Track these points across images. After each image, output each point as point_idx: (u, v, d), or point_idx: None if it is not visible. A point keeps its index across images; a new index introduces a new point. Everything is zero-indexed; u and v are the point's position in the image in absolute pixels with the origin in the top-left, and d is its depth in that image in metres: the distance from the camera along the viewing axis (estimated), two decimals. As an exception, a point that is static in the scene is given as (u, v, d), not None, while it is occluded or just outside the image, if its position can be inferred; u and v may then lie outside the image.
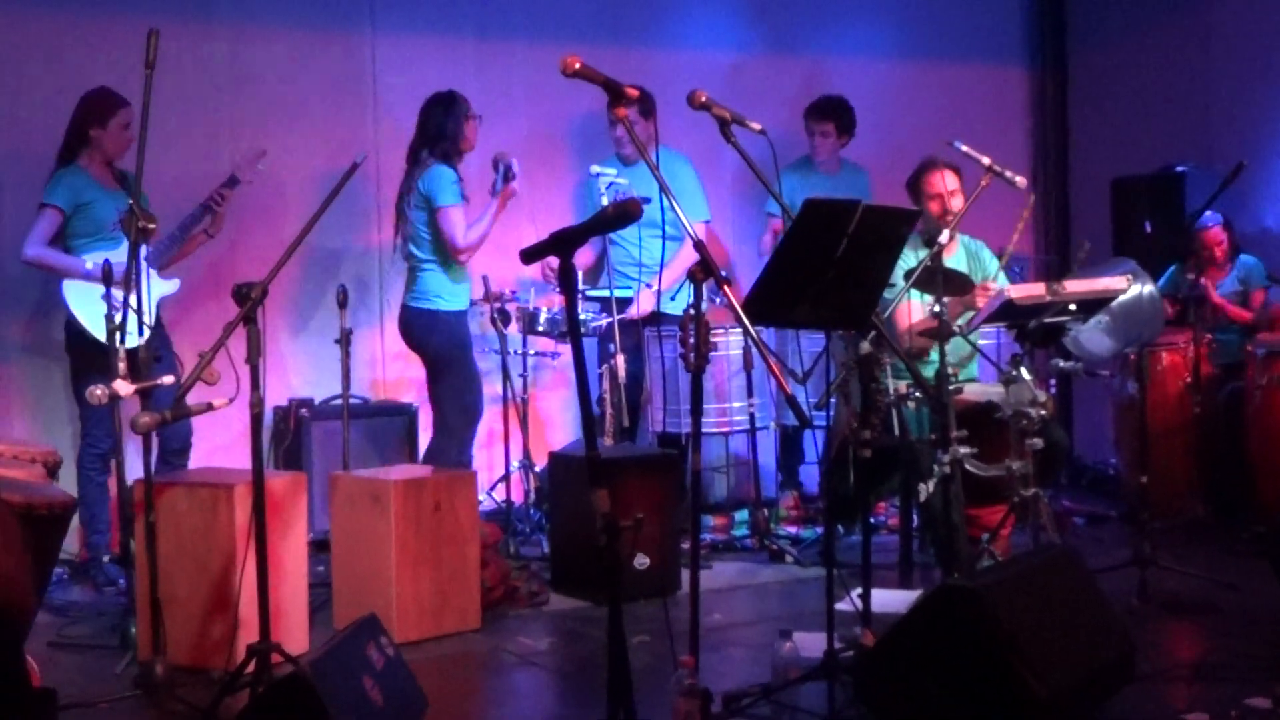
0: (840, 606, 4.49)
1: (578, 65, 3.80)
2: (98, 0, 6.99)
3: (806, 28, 8.77)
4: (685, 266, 6.31)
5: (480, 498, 6.24)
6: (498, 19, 7.95)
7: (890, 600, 5.37)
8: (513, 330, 7.07)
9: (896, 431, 5.86)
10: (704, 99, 4.20)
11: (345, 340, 6.36)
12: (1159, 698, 4.52)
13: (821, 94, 7.90)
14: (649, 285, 7.09)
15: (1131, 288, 5.73)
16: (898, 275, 5.31)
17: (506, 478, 7.18)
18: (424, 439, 7.22)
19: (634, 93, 3.93)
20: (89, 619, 5.69)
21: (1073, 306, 5.40)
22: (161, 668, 4.64)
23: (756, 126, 4.22)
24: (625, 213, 3.12)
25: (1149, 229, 7.87)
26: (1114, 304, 5.77)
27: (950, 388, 5.36)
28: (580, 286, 6.91)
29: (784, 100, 8.23)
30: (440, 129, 6.57)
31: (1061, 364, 5.83)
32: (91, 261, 5.98)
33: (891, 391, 5.82)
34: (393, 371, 7.72)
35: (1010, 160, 6.21)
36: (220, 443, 7.12)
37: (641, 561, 5.84)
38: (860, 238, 4.03)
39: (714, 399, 6.93)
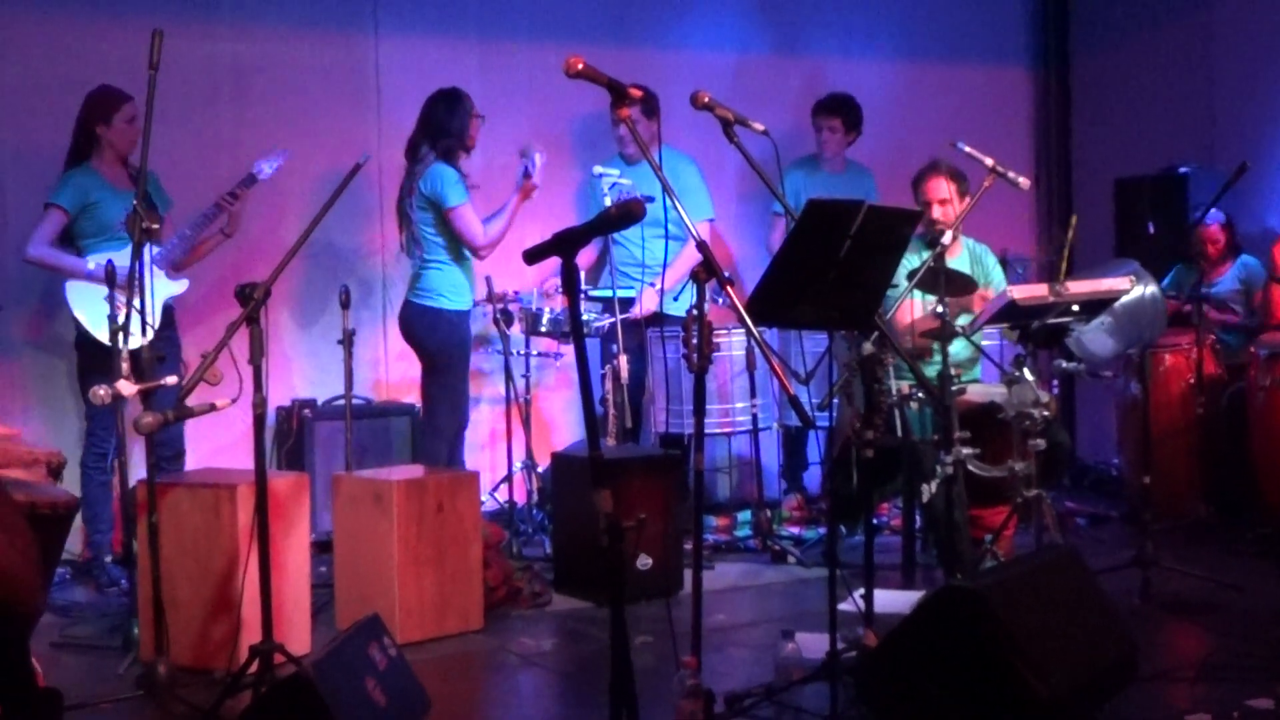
0: (843, 607, 4.49)
1: (581, 66, 3.80)
2: (102, 1, 6.99)
3: (810, 29, 8.77)
4: (688, 266, 6.31)
5: (483, 498, 6.24)
6: (501, 19, 7.95)
7: (893, 601, 5.36)
8: (515, 331, 7.07)
9: (899, 432, 5.86)
10: (707, 99, 4.20)
11: (348, 341, 6.36)
12: (1161, 698, 4.52)
13: (827, 93, 7.91)
14: (652, 285, 7.09)
15: (1134, 288, 5.73)
16: (900, 276, 5.32)
17: (509, 478, 7.18)
18: (426, 439, 7.24)
19: (637, 93, 3.93)
20: (91, 619, 5.69)
21: (1075, 307, 5.40)
22: (164, 668, 4.64)
23: (759, 127, 4.22)
24: (628, 213, 3.12)
25: (1152, 229, 7.87)
26: (1117, 305, 5.77)
27: (953, 388, 5.37)
28: (583, 287, 6.91)
29: (787, 101, 8.23)
30: (443, 125, 6.55)
31: (1064, 365, 5.84)
32: (94, 262, 5.99)
33: (894, 392, 5.81)
34: (395, 372, 7.72)
35: (1013, 161, 6.21)
36: (223, 443, 7.13)
37: (644, 562, 5.84)
38: (863, 238, 4.03)
39: (717, 399, 6.93)
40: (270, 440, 6.96)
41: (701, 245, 3.95)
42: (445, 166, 6.50)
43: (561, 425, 8.08)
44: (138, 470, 5.13)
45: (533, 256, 3.09)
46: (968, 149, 5.82)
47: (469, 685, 5.12)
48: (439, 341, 6.63)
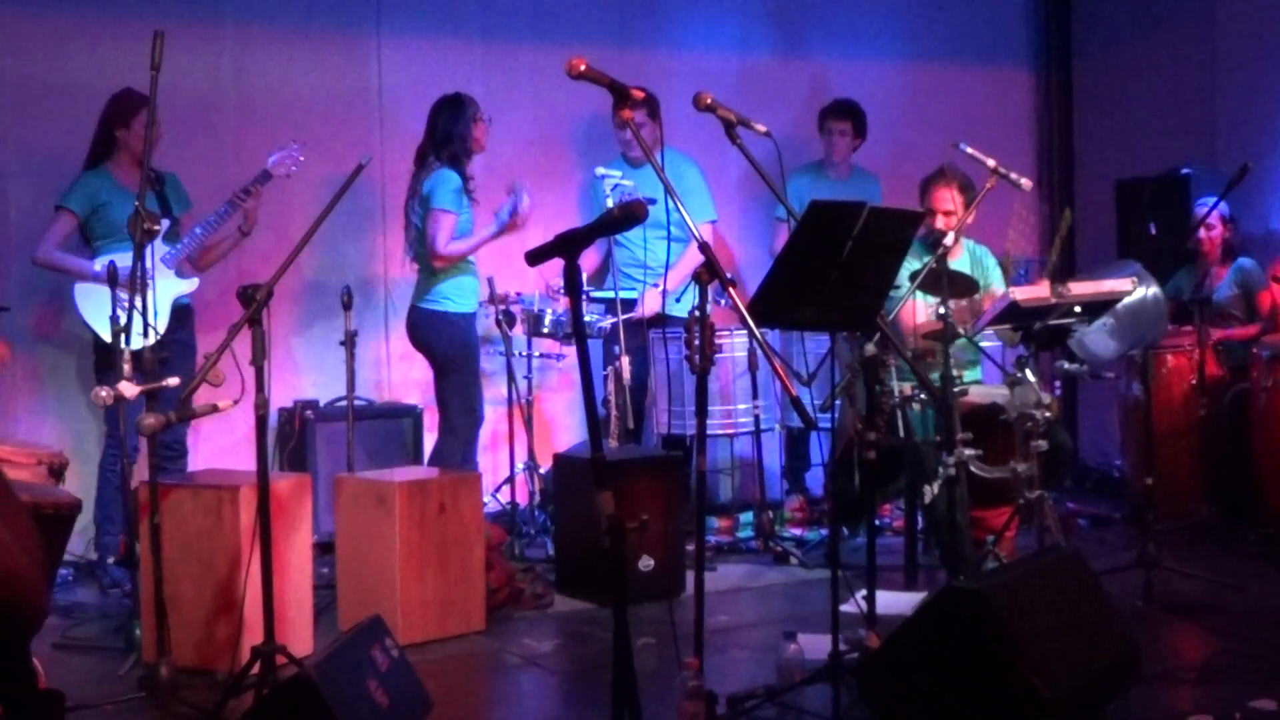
0: (845, 608, 4.49)
1: (583, 67, 3.80)
2: (104, 2, 6.99)
3: (813, 30, 8.77)
4: (690, 268, 6.31)
5: (485, 499, 6.24)
6: (503, 21, 7.95)
7: (895, 602, 5.36)
8: (518, 332, 7.07)
9: (901, 433, 5.86)
10: (709, 101, 4.20)
11: (350, 342, 6.37)
12: (1164, 699, 4.53)
13: (831, 97, 7.91)
14: (654, 286, 7.09)
15: (1136, 290, 5.73)
16: (902, 278, 5.32)
17: (511, 479, 7.18)
18: (429, 440, 7.22)
19: (639, 94, 3.93)
20: (94, 621, 5.69)
21: (1078, 309, 5.40)
22: (166, 669, 4.64)
23: (762, 129, 4.22)
24: (630, 214, 3.12)
25: (1154, 231, 7.87)
26: (1119, 306, 5.77)
27: (955, 390, 5.37)
28: (585, 288, 6.91)
29: (791, 103, 8.23)
30: (447, 133, 6.57)
31: (1066, 366, 5.83)
32: (100, 264, 6.00)
33: (896, 393, 5.82)
34: (397, 373, 7.73)
35: (1015, 162, 6.22)
36: (225, 444, 7.14)
37: (646, 563, 5.84)
38: (865, 240, 4.03)
39: (719, 401, 6.93)
40: (272, 441, 6.95)
41: (704, 246, 3.95)
42: (449, 171, 6.52)
43: (563, 426, 8.08)
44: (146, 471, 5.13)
45: (535, 258, 3.09)
46: (970, 150, 5.82)
47: (471, 686, 5.12)
48: (446, 345, 6.66)
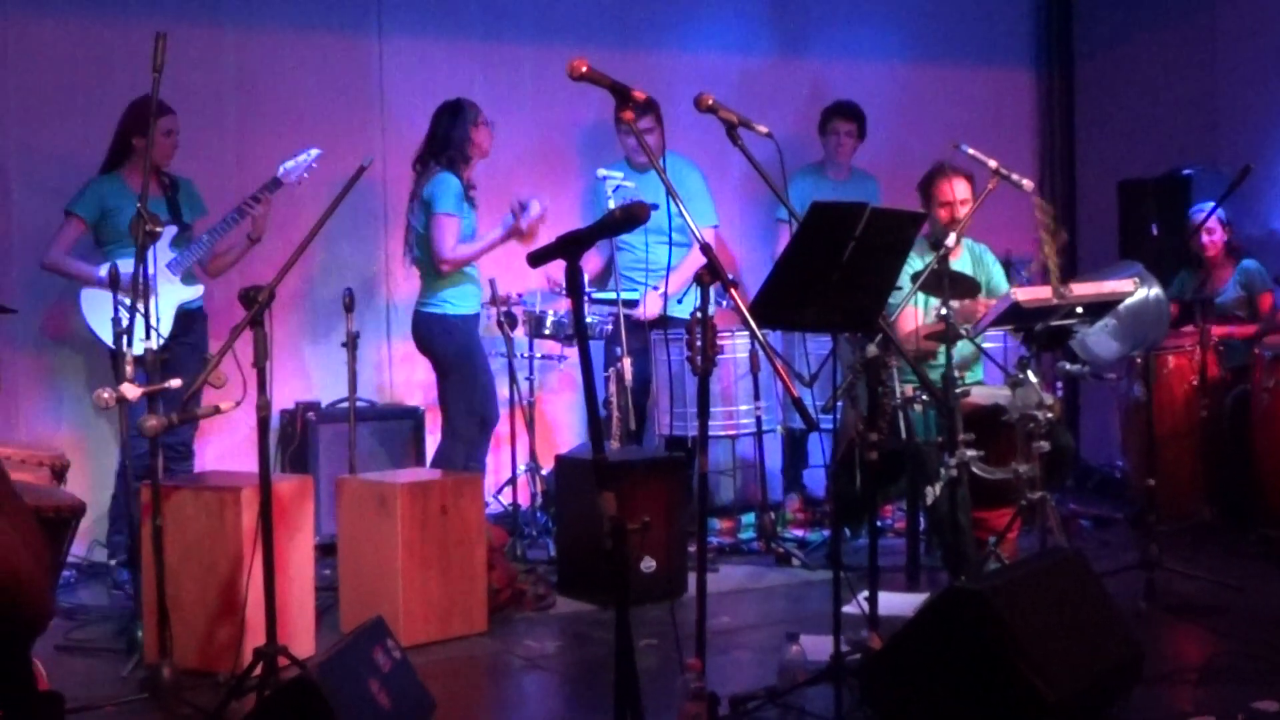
0: (847, 609, 4.49)
1: (585, 69, 3.80)
2: (107, 4, 7.00)
3: (814, 31, 8.77)
4: (692, 271, 6.31)
5: (487, 501, 6.24)
6: (505, 22, 7.95)
7: (897, 603, 5.36)
8: (519, 333, 7.07)
9: (903, 434, 5.85)
10: (711, 102, 4.20)
11: (352, 343, 6.37)
12: (1166, 700, 4.52)
13: (832, 98, 7.91)
14: (656, 288, 7.09)
15: (1138, 291, 5.73)
16: (904, 279, 5.31)
17: (513, 481, 7.18)
18: (431, 442, 7.23)
19: (640, 96, 3.93)
20: (96, 622, 5.68)
21: (1079, 310, 5.40)
22: (168, 671, 4.64)
23: (763, 130, 4.22)
24: (632, 216, 3.12)
25: (1155, 231, 7.87)
26: (1121, 307, 5.77)
27: (957, 391, 5.36)
28: (587, 289, 6.91)
29: (792, 104, 8.23)
30: (446, 138, 6.59)
31: (1068, 367, 5.83)
32: (105, 269, 6.00)
33: (898, 394, 5.81)
34: (399, 375, 7.73)
35: (1017, 163, 6.21)
36: (227, 446, 7.14)
37: (648, 565, 5.84)
38: (867, 241, 4.03)
39: (721, 402, 6.93)
40: (274, 443, 6.96)
41: (705, 247, 3.95)
42: (449, 175, 6.53)
43: (565, 428, 8.08)
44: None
45: (537, 259, 3.09)
46: (971, 151, 5.81)
47: (473, 688, 5.12)
48: (446, 347, 6.67)
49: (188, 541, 4.98)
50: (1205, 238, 7.32)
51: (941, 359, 5.44)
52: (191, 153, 6.60)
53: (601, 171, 6.82)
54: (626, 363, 6.69)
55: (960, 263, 6.32)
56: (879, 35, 8.90)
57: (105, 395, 4.61)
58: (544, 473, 7.20)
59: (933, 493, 5.52)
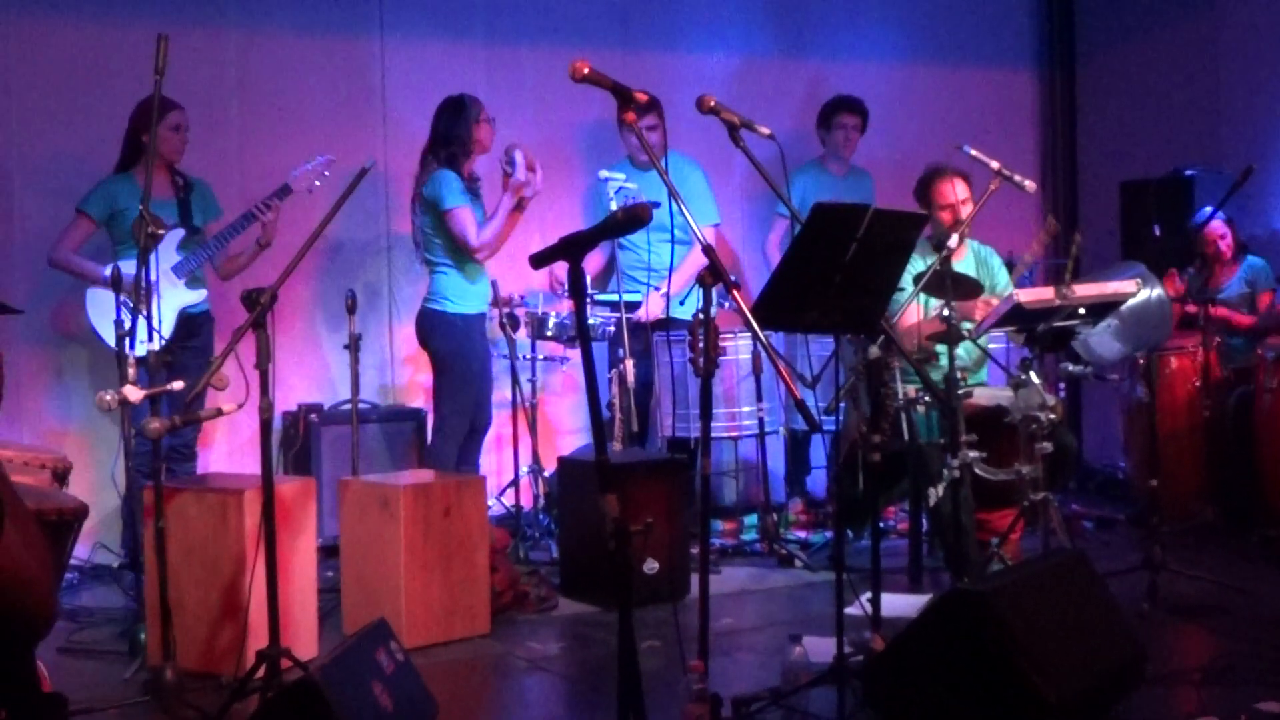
0: (850, 611, 4.49)
1: (587, 70, 3.80)
2: (109, 5, 7.01)
3: (815, 31, 8.77)
4: (694, 271, 6.31)
5: (489, 502, 6.24)
6: (507, 23, 7.96)
7: (900, 604, 5.36)
8: (521, 335, 7.07)
9: (906, 436, 5.85)
10: (713, 103, 4.20)
11: (354, 345, 6.37)
12: (1169, 702, 4.52)
13: (830, 95, 7.91)
14: (659, 289, 7.09)
15: (1140, 291, 5.73)
16: (906, 280, 5.31)
17: (515, 482, 7.19)
18: (433, 443, 7.25)
19: (642, 97, 3.93)
20: (99, 624, 5.69)
21: (1082, 310, 5.40)
22: (171, 673, 4.64)
23: (765, 131, 4.22)
24: (634, 217, 3.12)
25: (1158, 232, 7.86)
26: (1123, 308, 5.76)
27: (959, 392, 5.36)
28: (589, 291, 6.91)
29: (792, 104, 8.24)
30: (446, 135, 6.60)
31: (1070, 368, 5.83)
32: (109, 269, 6.01)
33: (901, 396, 5.81)
34: (402, 376, 7.73)
35: (1019, 164, 6.22)
36: (230, 448, 7.15)
37: (651, 566, 5.83)
38: (869, 242, 4.03)
39: (723, 403, 6.93)
40: (277, 445, 6.96)
41: (708, 249, 3.95)
42: (446, 171, 6.54)
43: (567, 429, 8.08)
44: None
45: (539, 261, 3.09)
46: (973, 152, 5.82)
47: (476, 690, 5.12)
48: (441, 344, 6.68)
49: (190, 543, 4.98)
50: (1221, 244, 7.34)
51: (944, 361, 5.44)
52: (194, 153, 6.60)
53: (604, 173, 6.82)
54: (629, 364, 6.69)
55: (964, 264, 6.32)
56: (880, 35, 8.90)
57: (108, 398, 4.62)
58: (546, 474, 7.20)
59: (935, 494, 5.52)
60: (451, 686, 4.85)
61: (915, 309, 6.00)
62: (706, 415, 4.25)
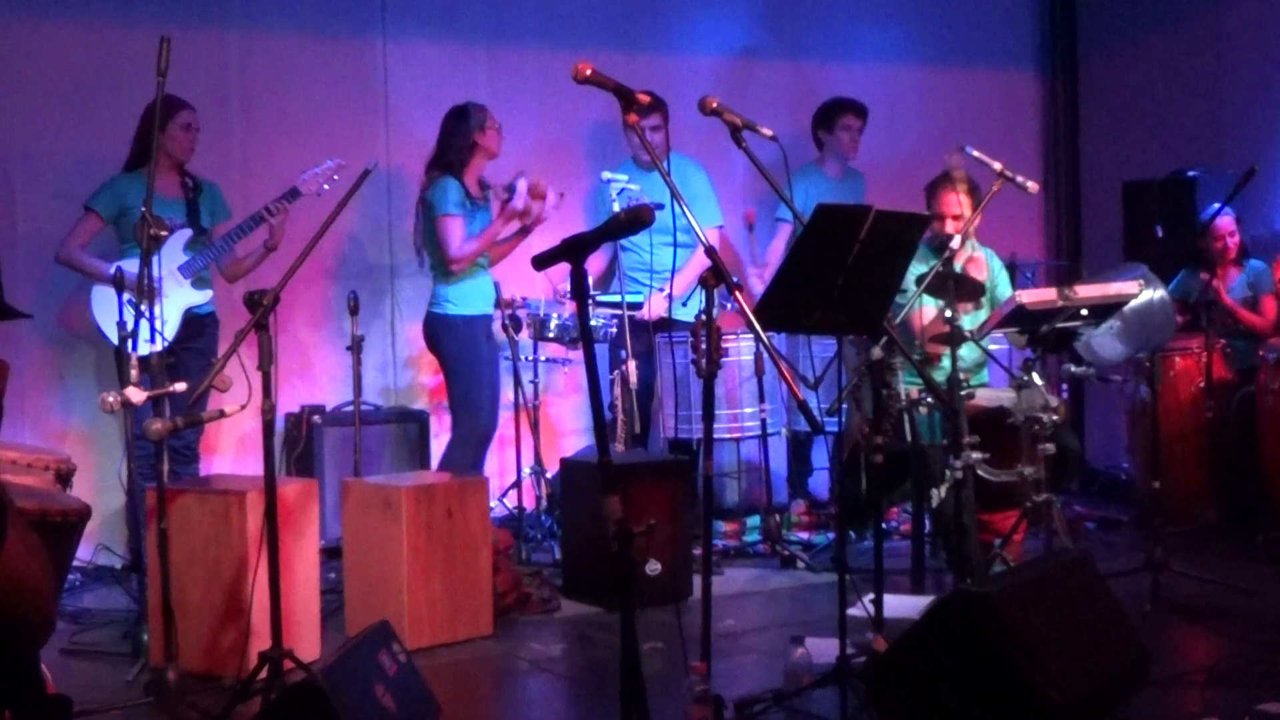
0: (852, 612, 4.48)
1: (589, 71, 3.81)
2: (111, 6, 7.01)
3: (816, 32, 8.77)
4: (697, 273, 6.31)
5: (492, 504, 6.24)
6: (509, 25, 7.95)
7: (902, 606, 5.36)
8: (523, 336, 7.07)
9: (908, 437, 5.85)
10: (715, 105, 4.20)
11: (357, 347, 6.38)
12: (1172, 703, 4.52)
13: (831, 97, 7.90)
14: (661, 289, 7.10)
15: (1143, 292, 5.72)
16: (909, 281, 5.31)
17: (518, 484, 7.19)
18: (436, 445, 7.25)
19: (645, 99, 3.93)
20: (101, 626, 5.69)
21: (1084, 311, 5.40)
22: (173, 674, 4.64)
23: (768, 132, 4.21)
24: (637, 218, 3.12)
25: (1160, 233, 7.86)
26: (1126, 309, 5.76)
27: (962, 393, 5.36)
28: (591, 292, 6.91)
29: (794, 105, 8.23)
30: (447, 143, 6.66)
31: (1073, 369, 5.82)
32: (113, 268, 6.02)
33: (903, 397, 5.81)
34: (404, 378, 7.73)
35: (1021, 164, 6.20)
36: (232, 449, 7.14)
37: (653, 567, 5.83)
38: (872, 243, 4.02)
39: (725, 405, 6.93)
40: (279, 446, 6.96)
41: (710, 251, 3.95)
42: (448, 178, 6.59)
43: (570, 431, 8.07)
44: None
45: (542, 262, 3.09)
46: (976, 153, 5.81)
47: (478, 691, 5.12)
48: (446, 348, 6.71)
49: (193, 545, 4.98)
50: (1229, 240, 7.33)
51: (947, 362, 5.44)
52: (197, 154, 6.60)
53: (606, 174, 6.83)
54: (631, 365, 6.69)
55: (976, 268, 6.32)
56: (882, 37, 8.89)
57: (110, 399, 4.62)
58: (549, 476, 7.20)
59: (938, 495, 5.52)
60: (454, 688, 4.85)
61: (919, 311, 6.01)
62: (709, 416, 4.24)
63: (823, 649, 4.54)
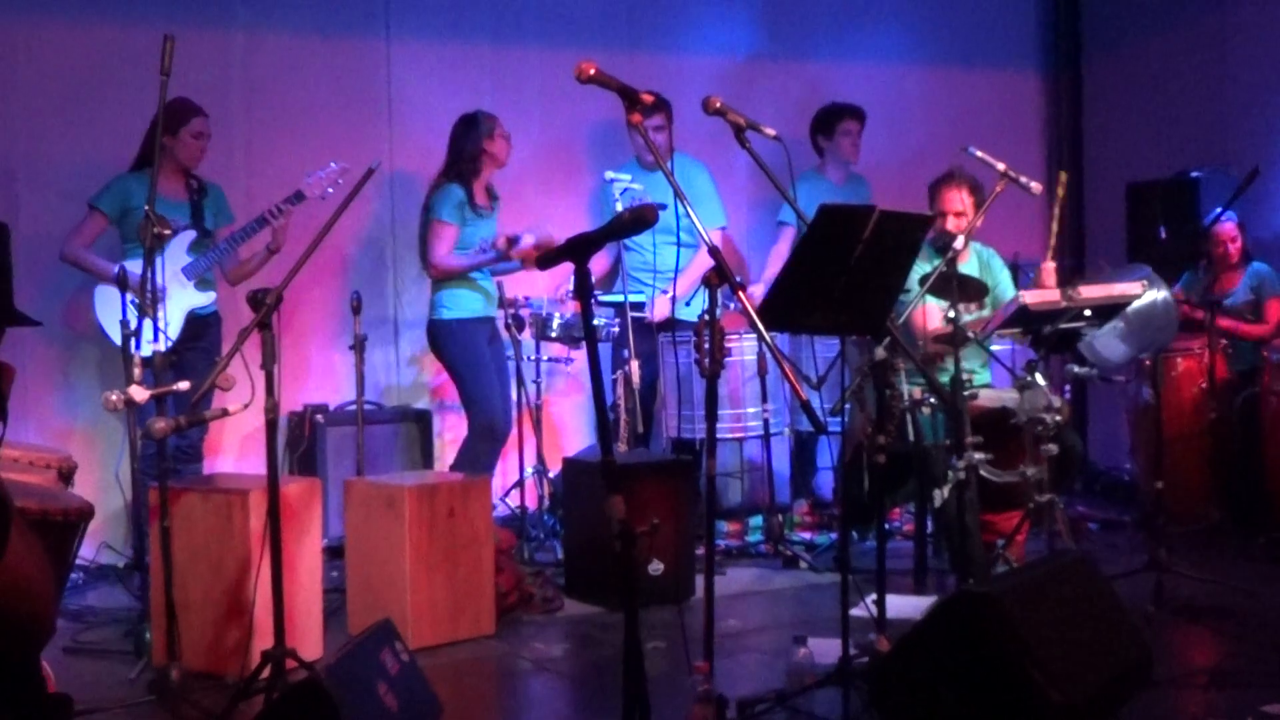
0: (855, 612, 4.48)
1: (593, 71, 3.80)
2: (114, 6, 7.01)
3: (819, 33, 8.77)
4: (700, 274, 6.32)
5: (494, 503, 6.25)
6: (512, 25, 7.95)
7: (905, 606, 5.36)
8: (526, 336, 7.07)
9: (911, 437, 5.85)
10: (719, 105, 4.20)
11: (360, 346, 6.38)
12: (1175, 704, 4.52)
13: (830, 101, 7.89)
14: (664, 292, 7.10)
15: (1146, 293, 5.72)
16: (912, 281, 5.30)
17: (520, 483, 7.19)
18: (439, 444, 7.27)
19: (649, 98, 3.92)
20: (104, 624, 5.69)
21: (1088, 312, 5.39)
22: (176, 673, 4.64)
23: (771, 132, 4.21)
24: (640, 218, 3.11)
25: (1164, 234, 7.86)
26: (1129, 310, 5.76)
27: (965, 393, 5.36)
28: (594, 292, 6.93)
29: (796, 106, 8.22)
30: (457, 151, 6.75)
31: (1076, 369, 5.82)
32: (119, 267, 6.02)
33: (906, 397, 5.81)
34: (407, 377, 7.74)
35: (1024, 165, 6.20)
36: (235, 448, 7.15)
37: (656, 567, 5.83)
38: (875, 243, 4.02)
39: (728, 404, 6.93)
40: (282, 445, 6.96)
41: (714, 250, 3.95)
42: (452, 185, 6.67)
43: (572, 430, 8.08)
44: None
45: (546, 262, 3.09)
46: (979, 153, 5.81)
47: (481, 690, 5.12)
48: (445, 352, 6.85)
49: (196, 543, 4.98)
50: (1230, 246, 7.32)
51: (950, 362, 5.44)
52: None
53: (609, 174, 6.83)
54: (634, 365, 6.69)
55: (967, 266, 6.31)
56: (886, 37, 8.89)
57: (114, 398, 4.62)
58: (551, 475, 7.20)
59: (941, 495, 5.51)
60: (456, 687, 4.85)
61: (922, 312, 6.00)
62: (712, 416, 4.24)
63: (825, 649, 4.54)
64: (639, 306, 7.05)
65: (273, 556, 4.40)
